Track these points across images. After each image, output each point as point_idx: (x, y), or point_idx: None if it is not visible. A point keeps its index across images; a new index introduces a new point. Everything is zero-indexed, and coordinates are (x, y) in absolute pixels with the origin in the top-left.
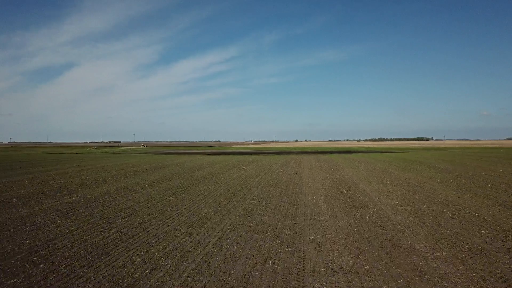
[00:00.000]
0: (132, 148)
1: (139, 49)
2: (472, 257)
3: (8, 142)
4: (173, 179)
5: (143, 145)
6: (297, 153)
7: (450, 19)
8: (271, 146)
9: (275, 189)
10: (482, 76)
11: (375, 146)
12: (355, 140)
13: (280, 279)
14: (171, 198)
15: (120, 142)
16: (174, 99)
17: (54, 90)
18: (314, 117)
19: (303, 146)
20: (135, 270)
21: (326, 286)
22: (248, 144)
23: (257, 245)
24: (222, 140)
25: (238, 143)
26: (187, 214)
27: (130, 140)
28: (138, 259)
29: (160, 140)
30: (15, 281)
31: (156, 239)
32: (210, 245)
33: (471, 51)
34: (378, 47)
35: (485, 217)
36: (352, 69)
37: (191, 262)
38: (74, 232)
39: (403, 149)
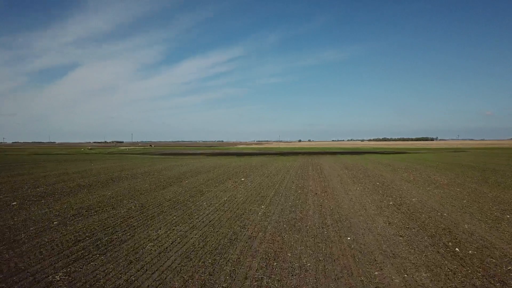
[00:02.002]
0: (128, 149)
1: (142, 49)
2: None
3: (12, 142)
4: (120, 205)
5: (151, 145)
6: (305, 153)
7: (453, 19)
8: (275, 146)
9: (299, 243)
10: (485, 76)
11: (384, 146)
12: (358, 140)
13: None
14: (56, 277)
15: (123, 142)
16: (177, 99)
17: (58, 90)
18: (315, 117)
19: (308, 146)
20: None
21: None
22: (251, 144)
23: None
24: (225, 140)
25: (241, 143)
26: None
27: (134, 140)
28: None
29: (163, 140)
30: None
31: None
32: None
33: (473, 51)
34: (379, 47)
35: None
36: (353, 69)
37: None
38: None
39: (415, 149)
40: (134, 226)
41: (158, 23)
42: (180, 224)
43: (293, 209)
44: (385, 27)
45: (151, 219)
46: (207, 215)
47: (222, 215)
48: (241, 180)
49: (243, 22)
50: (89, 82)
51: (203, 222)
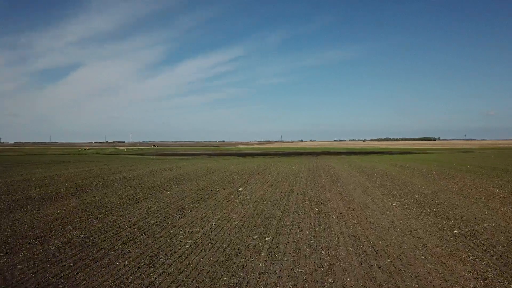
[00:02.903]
0: (127, 149)
1: (144, 50)
2: None
3: (14, 143)
4: (57, 234)
5: (154, 145)
6: (308, 154)
7: (455, 19)
8: (277, 147)
9: None
10: (486, 76)
11: (388, 146)
12: (360, 140)
13: None
14: None
15: (124, 142)
16: (179, 99)
17: (60, 90)
18: (317, 117)
19: (310, 146)
20: None
21: None
22: (252, 144)
23: None
24: (226, 140)
25: (242, 143)
26: None
27: (136, 140)
28: None
29: (165, 140)
30: None
31: None
32: None
33: (474, 51)
34: (381, 47)
35: None
36: (355, 69)
37: None
38: None
39: (421, 149)
40: (51, 283)
41: (160, 23)
42: (130, 279)
43: (314, 245)
44: (387, 27)
45: (86, 267)
46: (179, 257)
47: (203, 257)
48: (238, 191)
49: (244, 22)
50: (92, 82)
51: (168, 274)
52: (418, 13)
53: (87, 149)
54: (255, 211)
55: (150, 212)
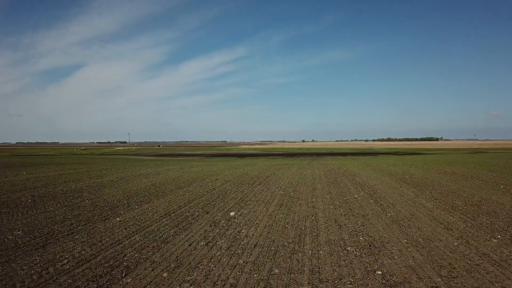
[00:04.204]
0: (123, 149)
1: (147, 50)
2: None
3: (16, 143)
4: None
5: (159, 146)
6: (313, 155)
7: (458, 19)
8: (280, 147)
9: None
10: (490, 76)
11: (393, 146)
12: (362, 140)
13: None
14: None
15: (126, 142)
16: (182, 100)
17: (63, 90)
18: (319, 117)
19: (314, 146)
20: None
21: None
22: (254, 144)
23: None
24: (228, 140)
25: (244, 143)
26: None
27: (139, 140)
28: None
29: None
30: None
31: None
32: None
33: (476, 51)
34: (383, 47)
35: None
36: (357, 69)
37: None
38: None
39: (431, 150)
40: None
41: (163, 23)
42: None
43: None
44: (389, 27)
45: None
46: None
47: None
48: (229, 217)
49: (247, 22)
50: (94, 83)
51: None
52: (421, 13)
53: (82, 149)
54: (256, 275)
55: (43, 280)
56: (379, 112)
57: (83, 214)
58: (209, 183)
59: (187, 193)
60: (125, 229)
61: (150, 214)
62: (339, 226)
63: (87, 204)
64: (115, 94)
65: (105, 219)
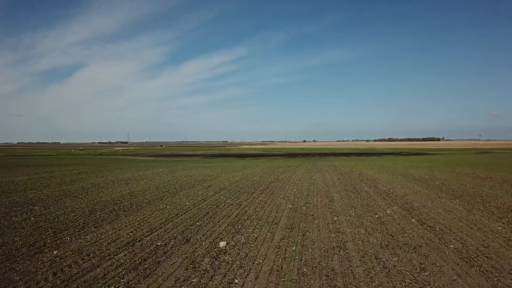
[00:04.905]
0: (122, 150)
1: (147, 50)
2: None
3: (17, 143)
4: None
5: (161, 146)
6: (316, 155)
7: (459, 19)
8: (281, 147)
9: None
10: (490, 76)
11: (396, 147)
12: (363, 140)
13: None
14: None
15: (127, 142)
16: (182, 100)
17: (63, 91)
18: (319, 117)
19: (315, 147)
20: None
21: None
22: (255, 144)
23: None
24: (229, 140)
25: (245, 143)
26: None
27: (139, 140)
28: None
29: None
30: None
31: None
32: None
33: (477, 51)
34: (383, 47)
35: None
36: (358, 69)
37: None
38: None
39: (436, 150)
40: None
41: (163, 23)
42: None
43: None
44: (390, 27)
45: None
46: None
47: None
48: (213, 256)
49: (247, 22)
50: (95, 83)
51: None
52: (421, 13)
53: (80, 149)
54: None
55: None
56: (379, 112)
57: (9, 243)
58: (200, 192)
59: (168, 207)
60: (53, 274)
61: (105, 244)
62: (386, 272)
63: (28, 224)
64: (115, 94)
65: (36, 252)
